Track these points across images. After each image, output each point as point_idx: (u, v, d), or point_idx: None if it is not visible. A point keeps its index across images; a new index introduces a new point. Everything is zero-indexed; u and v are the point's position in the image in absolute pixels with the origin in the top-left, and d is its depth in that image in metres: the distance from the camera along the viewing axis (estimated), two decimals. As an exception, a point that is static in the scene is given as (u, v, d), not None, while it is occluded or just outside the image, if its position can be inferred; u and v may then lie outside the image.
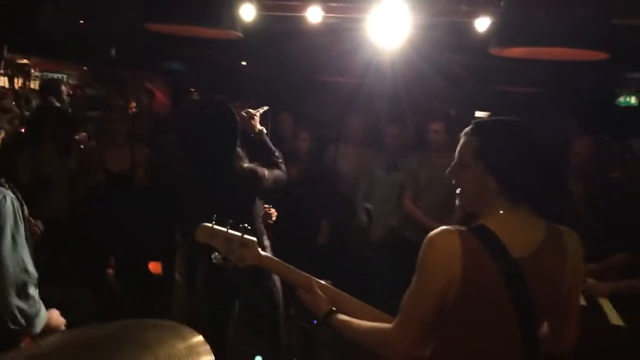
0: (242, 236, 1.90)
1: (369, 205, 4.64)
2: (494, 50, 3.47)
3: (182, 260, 5.17)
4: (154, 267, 5.40)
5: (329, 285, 1.87)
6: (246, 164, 2.98)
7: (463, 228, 1.56)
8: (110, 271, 5.08)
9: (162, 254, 5.24)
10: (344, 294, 1.87)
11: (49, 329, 1.98)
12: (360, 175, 4.79)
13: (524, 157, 1.58)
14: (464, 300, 1.52)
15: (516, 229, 1.56)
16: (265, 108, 3.22)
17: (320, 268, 4.49)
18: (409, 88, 5.03)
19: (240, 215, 2.46)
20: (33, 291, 1.92)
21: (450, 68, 5.13)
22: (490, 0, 3.60)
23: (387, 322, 1.65)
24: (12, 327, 1.83)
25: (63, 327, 2.09)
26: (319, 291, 1.83)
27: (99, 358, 1.04)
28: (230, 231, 1.90)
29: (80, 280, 4.67)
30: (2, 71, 7.07)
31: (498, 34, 3.42)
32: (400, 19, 3.80)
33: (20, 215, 1.88)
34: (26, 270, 1.89)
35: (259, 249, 1.93)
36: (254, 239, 1.92)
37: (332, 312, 1.78)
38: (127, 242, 4.71)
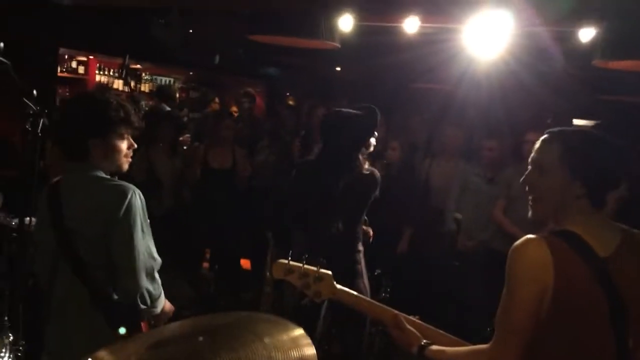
0: (318, 270, 1.93)
1: (458, 215, 4.61)
2: (599, 63, 3.38)
3: (273, 259, 5.40)
4: (245, 263, 5.68)
5: (417, 320, 1.87)
6: (366, 166, 3.09)
7: (547, 234, 1.58)
8: (205, 264, 5.40)
9: (253, 251, 5.52)
10: (432, 327, 1.87)
11: (163, 313, 2.20)
12: (453, 184, 4.75)
13: (607, 163, 1.61)
14: (559, 306, 1.52)
15: (595, 231, 1.59)
16: None
17: (401, 275, 4.57)
18: (506, 97, 4.95)
19: (350, 218, 2.54)
20: (157, 275, 2.14)
21: (549, 76, 4.98)
22: (594, 11, 3.49)
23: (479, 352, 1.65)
24: (141, 306, 2.04)
25: (171, 314, 2.30)
26: (409, 326, 1.83)
27: (220, 343, 1.16)
28: (306, 266, 1.94)
29: (179, 272, 5.00)
30: (117, 75, 7.73)
31: (603, 47, 3.32)
32: (500, 28, 3.78)
33: (145, 210, 2.10)
34: (153, 257, 2.11)
35: (335, 283, 1.96)
36: (330, 272, 1.95)
37: (425, 346, 1.77)
38: (223, 237, 5.04)
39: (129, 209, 2.01)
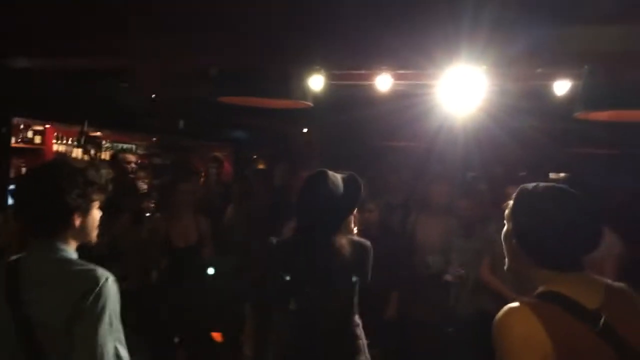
0: None
1: (448, 277, 4.42)
2: (580, 115, 3.34)
3: (251, 332, 5.07)
4: (216, 336, 5.34)
5: None
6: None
7: (531, 300, 1.51)
8: (176, 340, 5.04)
9: (226, 325, 5.20)
10: None
11: None
12: (436, 247, 4.61)
13: (549, 223, 1.52)
14: None
15: (579, 287, 1.52)
16: None
17: (391, 345, 4.32)
18: (482, 152, 4.91)
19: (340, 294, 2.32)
20: None
21: (525, 132, 4.99)
22: (568, 62, 3.48)
23: None
24: None
25: None
26: None
27: None
28: None
29: (147, 351, 4.63)
30: (75, 143, 7.43)
31: (584, 99, 3.29)
32: (472, 86, 3.74)
33: (119, 299, 1.84)
34: (118, 357, 1.83)
35: None
36: None
37: None
38: (193, 313, 4.70)
39: (98, 299, 1.76)
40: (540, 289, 1.55)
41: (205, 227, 4.67)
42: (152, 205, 5.33)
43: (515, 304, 1.49)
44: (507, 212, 1.66)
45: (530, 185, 1.62)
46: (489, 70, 3.56)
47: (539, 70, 3.63)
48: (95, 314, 1.75)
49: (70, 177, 1.89)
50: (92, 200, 1.93)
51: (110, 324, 1.79)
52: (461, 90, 3.85)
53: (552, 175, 6.29)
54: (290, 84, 3.95)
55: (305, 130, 7.97)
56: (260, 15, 3.36)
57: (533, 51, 2.92)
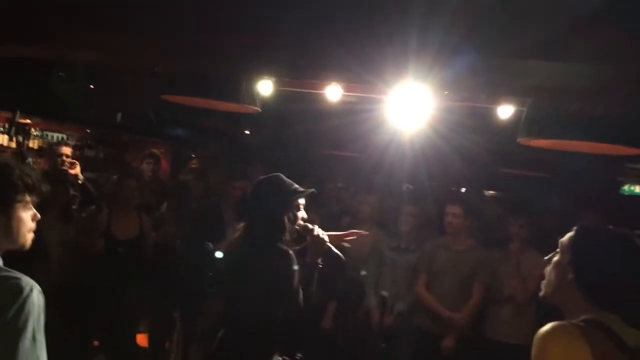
0: None
1: (384, 293, 4.44)
2: (522, 141, 3.45)
3: (179, 341, 4.93)
4: (142, 339, 5.15)
5: None
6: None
7: (578, 323, 1.55)
8: (95, 342, 4.82)
9: (154, 328, 5.04)
10: None
11: None
12: (369, 257, 4.62)
13: (618, 273, 1.60)
14: None
15: (618, 324, 1.56)
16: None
17: (327, 355, 4.30)
18: (429, 168, 4.99)
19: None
20: None
21: (468, 149, 5.10)
22: (511, 91, 3.58)
23: None
24: None
25: None
26: None
27: None
28: None
29: (66, 352, 4.40)
30: (1, 129, 6.97)
31: (526, 127, 3.41)
32: (420, 103, 3.79)
33: (44, 310, 1.70)
34: None
35: None
36: None
37: None
38: (119, 313, 4.52)
39: (21, 310, 1.61)
40: (584, 317, 1.58)
41: (147, 223, 4.64)
42: (79, 198, 5.08)
43: (563, 323, 1.55)
44: (564, 244, 1.70)
45: (594, 227, 1.74)
46: (434, 89, 3.61)
47: (483, 95, 3.72)
48: (17, 328, 1.60)
49: None
50: (15, 202, 1.77)
51: (33, 339, 1.64)
52: (409, 106, 3.88)
53: (488, 193, 6.49)
54: (238, 87, 3.86)
55: (247, 132, 7.84)
56: (208, 16, 3.25)
57: (472, 77, 2.97)
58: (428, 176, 5.13)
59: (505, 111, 3.93)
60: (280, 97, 4.31)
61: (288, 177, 2.80)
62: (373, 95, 4.20)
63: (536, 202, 4.96)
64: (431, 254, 4.38)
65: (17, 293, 1.63)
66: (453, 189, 5.72)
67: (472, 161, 5.38)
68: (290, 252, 2.70)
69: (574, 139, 3.35)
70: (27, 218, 1.83)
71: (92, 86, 4.66)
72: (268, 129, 6.75)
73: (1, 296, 1.62)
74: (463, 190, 5.68)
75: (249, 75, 4.01)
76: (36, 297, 1.67)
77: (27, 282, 1.68)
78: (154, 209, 5.04)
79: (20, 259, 1.83)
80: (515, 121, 3.83)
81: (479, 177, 5.82)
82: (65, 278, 4.37)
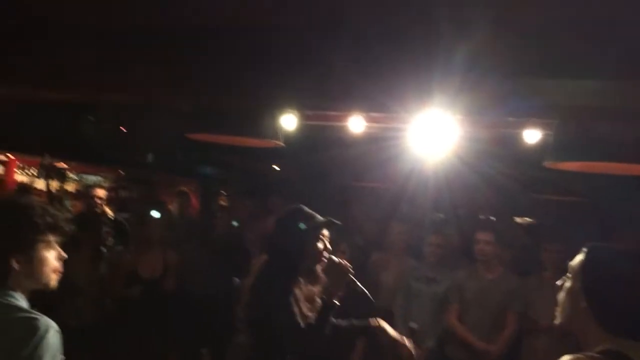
0: None
1: (413, 325, 4.33)
2: (550, 164, 3.37)
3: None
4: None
5: None
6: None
7: (594, 354, 1.47)
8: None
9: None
10: None
11: None
12: (397, 288, 4.53)
13: (633, 296, 1.49)
14: None
15: (636, 352, 1.47)
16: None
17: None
18: (453, 196, 4.91)
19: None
20: None
21: (494, 177, 5.02)
22: (538, 114, 3.53)
23: None
24: None
25: None
26: None
27: None
28: None
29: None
30: (37, 174, 7.20)
31: (554, 149, 3.33)
32: (444, 131, 3.77)
33: (61, 350, 1.71)
34: None
35: None
36: None
37: None
38: (147, 350, 4.52)
39: (36, 350, 1.62)
40: (602, 346, 1.50)
41: (172, 259, 4.66)
42: (113, 239, 5.17)
43: (578, 356, 1.47)
44: (574, 269, 1.60)
45: (605, 248, 1.61)
46: (460, 116, 3.58)
47: (510, 119, 3.67)
48: None
49: (8, 217, 1.78)
50: (36, 241, 1.79)
51: None
52: (433, 134, 3.86)
53: (517, 220, 6.34)
54: (262, 122, 3.91)
55: (275, 167, 7.91)
56: (233, 54, 3.33)
57: (501, 101, 2.94)
58: (453, 204, 5.05)
59: (531, 135, 3.86)
60: (303, 130, 4.34)
61: (311, 209, 2.77)
62: (396, 125, 4.19)
63: (569, 227, 4.82)
64: (461, 284, 4.28)
65: (33, 333, 1.65)
66: (482, 216, 5.60)
67: (499, 187, 5.28)
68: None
69: (603, 161, 3.26)
70: (50, 258, 1.84)
71: (121, 128, 4.80)
72: (291, 162, 6.80)
73: (18, 336, 1.64)
74: (492, 217, 5.56)
75: (272, 110, 4.06)
76: (52, 337, 1.68)
77: (45, 322, 1.70)
78: (180, 245, 5.09)
79: (49, 298, 1.85)
80: (542, 145, 3.76)
81: (507, 204, 5.70)
82: (94, 317, 4.41)
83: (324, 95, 3.65)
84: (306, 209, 2.74)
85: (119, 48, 3.12)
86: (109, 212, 5.39)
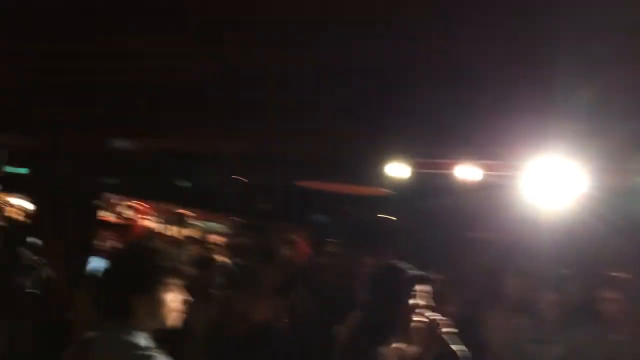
0: None
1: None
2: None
3: None
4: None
5: None
6: None
7: None
8: None
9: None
10: None
11: None
12: (507, 349, 4.21)
13: None
14: None
15: None
16: None
17: None
18: (576, 249, 4.56)
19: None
20: None
21: (624, 229, 4.61)
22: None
23: None
24: None
25: None
26: None
27: None
28: None
29: None
30: (163, 220, 7.75)
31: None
32: (566, 179, 3.55)
33: None
34: None
35: None
36: None
37: None
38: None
39: None
40: None
41: (281, 305, 4.66)
42: (226, 283, 5.36)
43: None
44: None
45: None
46: (585, 163, 3.36)
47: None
48: None
49: (132, 259, 1.91)
50: (158, 284, 1.88)
51: None
52: (554, 182, 3.65)
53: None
54: (370, 171, 3.92)
55: (386, 216, 7.85)
56: (345, 104, 3.39)
57: (635, 147, 2.71)
58: (575, 258, 4.67)
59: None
60: (412, 178, 4.29)
61: (417, 261, 2.71)
62: (511, 172, 4.02)
63: None
64: (585, 346, 3.90)
65: None
66: (608, 271, 5.12)
67: (630, 241, 4.82)
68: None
69: None
70: (172, 299, 1.92)
71: (235, 177, 5.04)
72: (400, 211, 6.71)
73: None
74: (619, 273, 5.05)
75: (383, 158, 4.06)
76: None
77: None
78: (290, 291, 5.15)
79: (169, 338, 1.92)
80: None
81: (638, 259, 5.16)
82: (210, 358, 4.54)
83: (435, 143, 3.60)
84: (401, 263, 2.69)
85: (234, 100, 3.30)
86: (223, 257, 5.60)
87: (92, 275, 4.26)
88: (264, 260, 5.03)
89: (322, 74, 3.16)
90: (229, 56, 2.94)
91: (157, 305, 1.88)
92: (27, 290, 4.28)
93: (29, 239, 4.42)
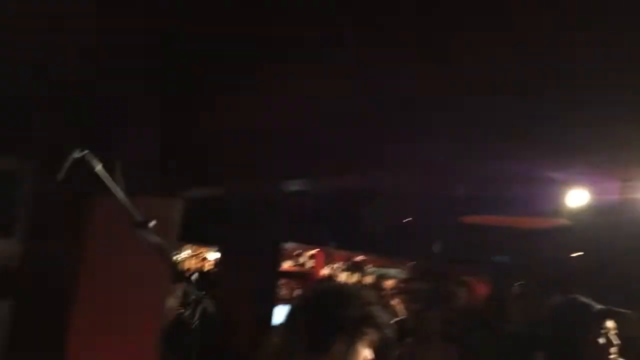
0: None
1: None
2: None
3: None
4: None
5: None
6: None
7: None
8: None
9: None
10: None
11: None
12: None
13: None
14: None
15: None
16: None
17: None
18: None
19: None
20: None
21: None
22: None
23: None
24: None
25: None
26: None
27: None
28: None
29: None
30: (342, 268, 7.98)
31: None
32: None
33: None
34: None
35: None
36: None
37: None
38: None
39: None
40: None
41: (453, 353, 4.48)
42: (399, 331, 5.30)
43: None
44: None
45: None
46: None
47: None
48: None
49: (346, 300, 1.69)
50: (360, 332, 1.65)
51: None
52: None
53: None
54: (542, 200, 3.65)
55: (574, 254, 7.17)
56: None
57: None
58: None
59: None
60: (591, 206, 3.87)
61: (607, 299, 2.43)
62: None
63: None
64: None
65: None
66: None
67: None
68: None
69: None
70: (364, 353, 1.67)
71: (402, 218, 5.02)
72: (588, 247, 6.06)
73: None
74: None
75: (556, 186, 3.76)
76: None
77: None
78: (465, 337, 4.92)
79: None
80: None
81: None
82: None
83: (617, 162, 3.22)
84: (582, 298, 2.42)
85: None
86: (399, 304, 5.57)
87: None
88: (436, 305, 4.90)
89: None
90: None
91: (351, 352, 1.63)
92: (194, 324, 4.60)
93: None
